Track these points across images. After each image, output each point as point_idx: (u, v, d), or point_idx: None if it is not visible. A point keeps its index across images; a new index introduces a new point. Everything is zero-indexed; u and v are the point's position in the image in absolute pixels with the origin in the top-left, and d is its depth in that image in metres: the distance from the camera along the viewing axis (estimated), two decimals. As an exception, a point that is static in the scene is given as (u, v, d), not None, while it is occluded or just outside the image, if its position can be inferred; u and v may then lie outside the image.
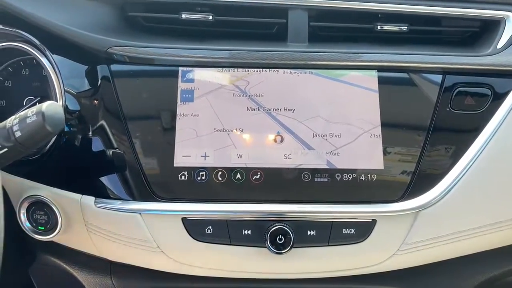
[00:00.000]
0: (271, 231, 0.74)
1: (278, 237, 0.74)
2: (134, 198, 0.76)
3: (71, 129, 0.79)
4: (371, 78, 0.80)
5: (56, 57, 0.80)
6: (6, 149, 0.63)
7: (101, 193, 0.77)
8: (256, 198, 0.76)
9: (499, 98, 0.79)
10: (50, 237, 0.80)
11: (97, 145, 0.78)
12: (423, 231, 0.77)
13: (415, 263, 0.82)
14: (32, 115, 0.63)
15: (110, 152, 0.77)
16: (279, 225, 0.75)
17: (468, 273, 0.89)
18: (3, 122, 0.65)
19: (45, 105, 0.63)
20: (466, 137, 0.78)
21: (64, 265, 0.91)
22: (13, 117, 0.65)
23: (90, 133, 0.78)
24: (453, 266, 0.85)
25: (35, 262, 0.93)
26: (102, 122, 0.78)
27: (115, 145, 0.77)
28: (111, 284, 0.89)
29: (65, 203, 0.79)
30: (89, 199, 0.78)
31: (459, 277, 0.89)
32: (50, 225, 0.79)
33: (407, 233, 0.77)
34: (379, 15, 0.87)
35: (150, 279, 0.86)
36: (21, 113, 0.64)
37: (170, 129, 0.77)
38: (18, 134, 0.63)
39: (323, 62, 0.80)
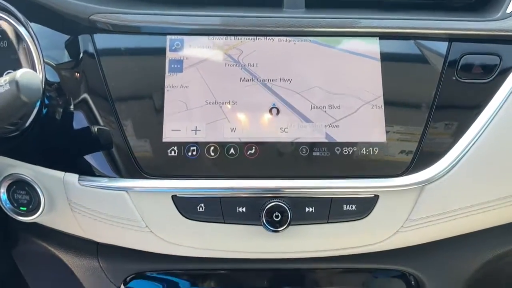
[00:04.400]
0: (266, 208, 0.72)
1: (274, 214, 0.72)
2: (121, 175, 0.73)
3: (52, 102, 0.75)
4: (372, 46, 0.76)
5: (34, 26, 0.75)
6: (-23, 122, 0.59)
7: (85, 170, 0.74)
8: (251, 174, 0.73)
9: (508, 67, 0.76)
10: (33, 218, 0.77)
11: (80, 119, 0.74)
12: (428, 206, 0.75)
13: (420, 241, 0.80)
14: (5, 84, 0.59)
15: (95, 127, 0.73)
16: (275, 202, 0.72)
17: (475, 250, 0.87)
18: None
19: (19, 73, 0.59)
20: (473, 108, 0.75)
21: (49, 248, 0.88)
22: (-17, 87, 0.60)
23: (72, 107, 0.74)
24: (460, 243, 0.83)
25: (18, 245, 0.91)
26: (85, 95, 0.74)
27: (99, 120, 0.73)
28: (98, 267, 0.86)
29: (47, 182, 0.76)
30: (73, 177, 0.74)
31: (466, 255, 0.87)
32: (33, 205, 0.76)
33: (411, 209, 0.74)
34: (381, -21, 0.83)
35: (139, 260, 0.84)
36: (-8, 83, 0.59)
37: (158, 102, 0.73)
38: (-11, 105, 0.58)
39: (321, 28, 0.76)
